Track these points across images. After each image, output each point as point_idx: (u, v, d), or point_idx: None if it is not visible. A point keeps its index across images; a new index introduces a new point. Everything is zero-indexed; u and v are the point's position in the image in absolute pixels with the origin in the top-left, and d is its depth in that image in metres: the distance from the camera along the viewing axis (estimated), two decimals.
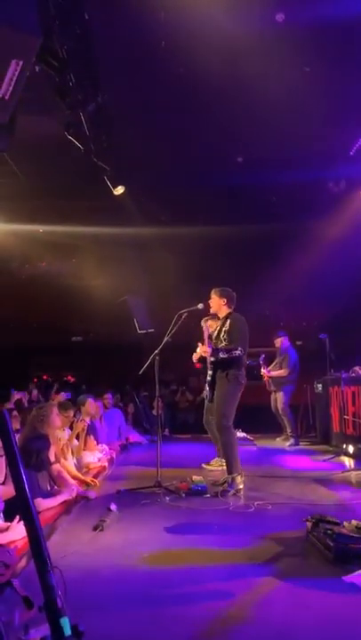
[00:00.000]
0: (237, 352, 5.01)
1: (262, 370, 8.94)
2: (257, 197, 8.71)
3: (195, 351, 5.88)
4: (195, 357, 5.90)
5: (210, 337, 5.50)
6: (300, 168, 7.58)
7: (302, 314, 11.96)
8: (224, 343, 5.16)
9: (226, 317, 5.34)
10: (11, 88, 1.72)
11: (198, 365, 6.48)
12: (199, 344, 5.74)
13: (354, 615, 2.36)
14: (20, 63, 1.64)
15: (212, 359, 5.28)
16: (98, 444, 6.49)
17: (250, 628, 2.24)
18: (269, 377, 8.90)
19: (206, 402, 6.01)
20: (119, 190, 8.28)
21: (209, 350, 5.33)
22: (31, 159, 7.29)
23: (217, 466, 6.12)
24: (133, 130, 7.14)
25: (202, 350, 5.58)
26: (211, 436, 6.31)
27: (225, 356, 5.04)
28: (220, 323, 5.46)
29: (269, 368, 8.92)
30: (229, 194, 8.75)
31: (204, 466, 6.19)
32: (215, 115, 6.64)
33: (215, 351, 5.16)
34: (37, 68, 5.01)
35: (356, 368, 7.20)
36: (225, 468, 5.77)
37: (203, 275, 8.62)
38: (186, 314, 5.59)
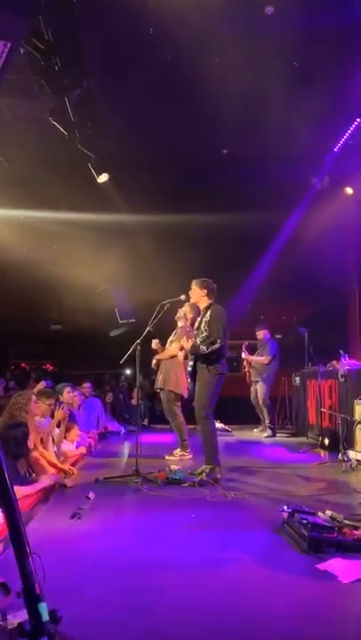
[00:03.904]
0: (217, 345, 5.05)
1: (243, 354, 9.06)
2: (242, 190, 8.72)
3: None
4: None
5: (196, 327, 5.51)
6: (285, 163, 7.60)
7: (282, 308, 12.08)
8: (204, 334, 5.19)
9: (206, 308, 5.36)
10: None
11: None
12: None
13: (327, 601, 2.42)
14: (8, 45, 1.61)
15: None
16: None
17: (225, 615, 2.28)
18: (250, 363, 9.02)
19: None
20: (103, 178, 8.20)
21: (188, 345, 5.36)
22: (13, 144, 7.16)
23: (177, 456, 6.21)
24: (119, 117, 7.07)
25: (184, 343, 5.61)
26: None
27: (206, 351, 5.08)
28: (200, 314, 5.48)
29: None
30: (214, 185, 8.75)
31: (166, 457, 6.23)
32: (202, 104, 6.61)
33: (195, 347, 5.18)
34: (22, 51, 4.92)
35: (334, 362, 7.30)
36: (182, 457, 5.94)
37: (185, 266, 8.62)
38: (168, 305, 5.60)
